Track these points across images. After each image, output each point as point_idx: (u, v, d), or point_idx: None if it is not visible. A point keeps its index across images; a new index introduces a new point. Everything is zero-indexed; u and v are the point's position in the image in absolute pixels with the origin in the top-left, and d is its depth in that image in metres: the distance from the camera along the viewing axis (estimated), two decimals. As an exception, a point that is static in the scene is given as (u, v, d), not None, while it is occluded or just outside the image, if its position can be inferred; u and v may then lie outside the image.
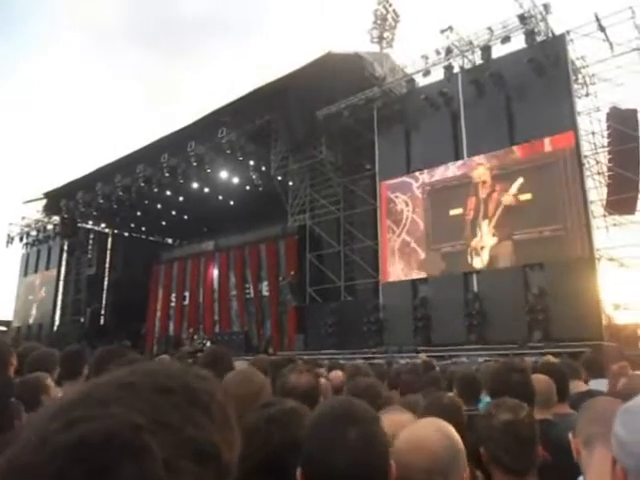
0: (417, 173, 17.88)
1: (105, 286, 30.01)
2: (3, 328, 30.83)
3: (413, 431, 1.39)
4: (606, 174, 15.35)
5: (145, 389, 0.44)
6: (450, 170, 17.01)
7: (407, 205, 18.03)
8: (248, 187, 24.65)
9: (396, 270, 17.77)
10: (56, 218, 29.04)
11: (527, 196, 15.03)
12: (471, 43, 16.21)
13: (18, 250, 32.03)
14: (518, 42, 15.52)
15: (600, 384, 3.45)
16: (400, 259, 17.82)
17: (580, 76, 16.13)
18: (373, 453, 1.10)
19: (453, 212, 16.70)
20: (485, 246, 15.75)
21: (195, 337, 22.31)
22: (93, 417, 0.40)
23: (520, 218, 15.05)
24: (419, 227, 17.66)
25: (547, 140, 14.80)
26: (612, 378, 3.73)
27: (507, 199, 15.54)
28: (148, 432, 0.40)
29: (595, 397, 1.90)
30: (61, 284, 29.88)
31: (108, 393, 0.43)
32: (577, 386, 3.29)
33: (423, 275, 17.08)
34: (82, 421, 0.40)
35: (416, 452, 1.29)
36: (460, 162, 16.73)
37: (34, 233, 30.65)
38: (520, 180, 15.22)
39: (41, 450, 0.38)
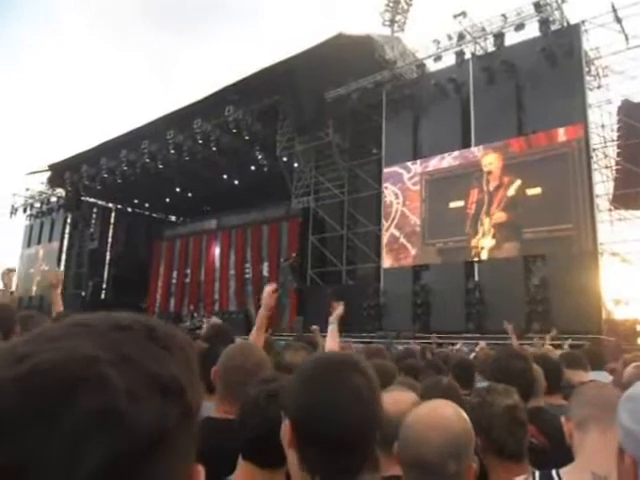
0: (409, 163, 17.43)
1: (107, 261, 30.08)
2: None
3: (433, 409, 1.35)
4: (614, 168, 15.25)
5: (101, 327, 0.43)
6: (446, 160, 16.54)
7: (397, 197, 17.60)
8: (253, 167, 24.56)
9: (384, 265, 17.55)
10: (60, 191, 29.02)
11: (536, 190, 14.59)
12: (484, 29, 16.01)
13: (22, 221, 32.10)
14: (532, 30, 15.34)
15: (600, 376, 3.45)
16: (388, 255, 17.46)
17: (593, 67, 15.93)
18: (373, 400, 1.05)
19: (453, 204, 16.14)
20: (484, 247, 15.41)
21: (195, 315, 22.44)
22: (42, 351, 0.38)
23: (528, 215, 14.54)
24: (409, 221, 17.06)
25: (560, 131, 14.46)
26: (617, 372, 3.71)
27: (509, 199, 14.98)
28: (105, 362, 0.39)
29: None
30: (63, 257, 29.95)
31: (61, 331, 0.42)
32: (580, 376, 3.27)
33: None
34: (29, 356, 0.38)
35: (435, 429, 1.27)
36: (457, 153, 16.35)
37: (38, 205, 30.64)
38: (518, 182, 14.77)
39: None
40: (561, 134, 14.50)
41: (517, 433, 1.67)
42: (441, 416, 1.31)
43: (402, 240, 17.20)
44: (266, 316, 3.12)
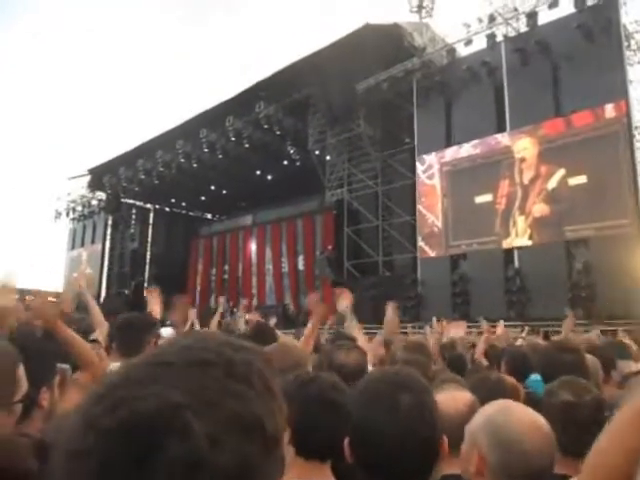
0: (423, 155, 16.73)
1: (147, 260, 30.83)
2: (55, 299, 32.01)
3: (523, 413, 1.33)
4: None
5: (181, 365, 0.45)
6: (464, 149, 15.80)
7: (412, 194, 17.00)
8: (285, 162, 24.71)
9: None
10: (100, 194, 29.85)
11: (580, 179, 13.41)
12: (516, 10, 15.57)
13: (65, 225, 33.08)
14: (567, 7, 14.84)
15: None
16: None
17: (633, 42, 15.31)
18: (425, 422, 1.05)
19: (480, 199, 15.23)
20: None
21: (235, 310, 22.76)
22: (134, 398, 0.42)
23: (572, 209, 13.32)
24: (426, 221, 16.24)
25: (607, 107, 13.56)
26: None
27: (549, 193, 13.62)
28: (188, 409, 0.41)
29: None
30: (106, 258, 30.79)
31: (146, 372, 0.45)
32: (630, 366, 3.19)
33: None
34: (123, 403, 0.41)
35: (534, 434, 1.25)
36: (477, 140, 15.75)
37: (80, 208, 31.52)
38: (561, 172, 13.65)
39: (87, 435, 0.41)
40: (609, 110, 13.53)
41: (569, 430, 1.65)
42: (536, 420, 1.28)
43: (420, 244, 16.44)
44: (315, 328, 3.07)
